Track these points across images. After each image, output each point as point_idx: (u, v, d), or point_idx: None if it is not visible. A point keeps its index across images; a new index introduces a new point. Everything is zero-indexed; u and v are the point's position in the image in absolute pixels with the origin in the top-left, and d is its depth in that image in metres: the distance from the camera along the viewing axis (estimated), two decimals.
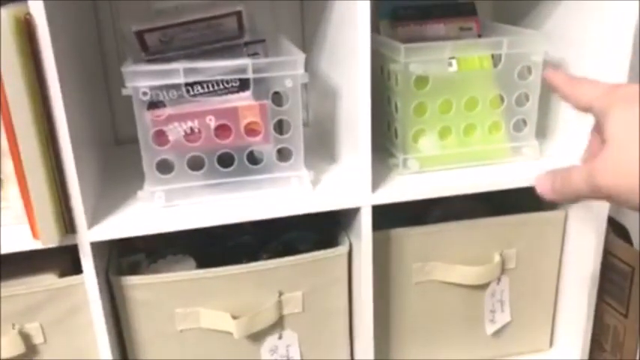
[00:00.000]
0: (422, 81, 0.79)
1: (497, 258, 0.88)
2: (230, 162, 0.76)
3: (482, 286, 0.90)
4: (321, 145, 0.95)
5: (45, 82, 0.63)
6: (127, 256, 0.85)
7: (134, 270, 0.83)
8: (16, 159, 0.64)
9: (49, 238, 0.67)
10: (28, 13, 0.62)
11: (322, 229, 0.91)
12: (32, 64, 0.62)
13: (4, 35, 0.59)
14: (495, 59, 0.82)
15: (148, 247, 0.87)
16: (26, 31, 0.61)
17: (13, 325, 0.76)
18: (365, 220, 0.77)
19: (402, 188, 0.78)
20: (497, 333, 0.94)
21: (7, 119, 0.62)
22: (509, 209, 0.89)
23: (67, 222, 0.69)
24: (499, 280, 0.90)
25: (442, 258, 0.87)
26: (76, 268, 0.77)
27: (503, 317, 0.93)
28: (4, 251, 0.69)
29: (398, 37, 0.91)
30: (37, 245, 0.68)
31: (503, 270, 0.89)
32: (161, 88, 0.70)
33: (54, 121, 0.65)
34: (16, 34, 0.60)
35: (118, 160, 0.93)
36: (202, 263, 0.85)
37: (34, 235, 0.68)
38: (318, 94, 0.96)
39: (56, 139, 0.66)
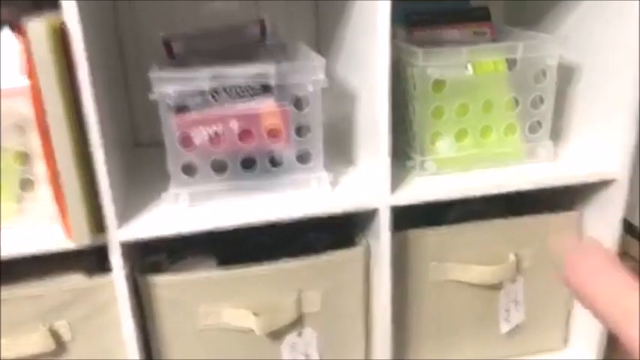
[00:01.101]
0: (439, 84, 0.81)
1: (512, 258, 0.90)
2: (252, 165, 0.78)
3: (498, 286, 0.92)
4: (337, 147, 0.97)
5: (78, 87, 0.66)
6: (148, 256, 0.88)
7: (156, 269, 0.86)
8: (50, 161, 0.67)
9: (81, 238, 0.69)
10: (63, 22, 0.64)
11: (339, 230, 0.93)
12: (66, 71, 0.65)
13: (42, 43, 0.61)
14: (510, 63, 0.84)
15: (168, 247, 0.89)
16: (61, 39, 0.64)
17: (43, 322, 0.79)
18: (383, 221, 0.79)
19: (420, 190, 0.80)
20: (512, 332, 0.96)
21: (42, 123, 0.65)
22: (524, 210, 0.90)
23: (97, 222, 0.71)
24: (514, 279, 0.92)
25: (458, 258, 0.89)
26: (100, 268, 0.80)
27: (517, 316, 0.95)
28: (37, 251, 0.71)
29: (413, 41, 0.93)
30: (69, 245, 0.71)
31: (518, 270, 0.91)
32: (187, 93, 0.73)
33: (86, 124, 0.68)
34: (52, 42, 0.62)
35: (138, 162, 0.96)
36: (222, 263, 0.87)
37: (67, 234, 0.70)
38: (334, 96, 0.97)
39: (88, 141, 0.68)
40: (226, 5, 0.97)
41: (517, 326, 0.96)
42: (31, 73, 0.63)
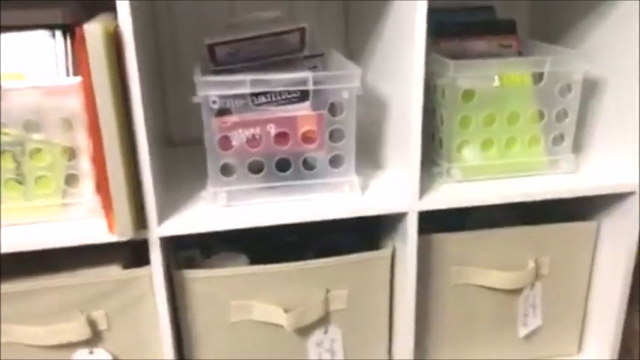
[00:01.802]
0: (468, 95, 0.84)
1: (531, 265, 0.93)
2: (286, 167, 0.81)
3: (517, 291, 0.95)
4: (365, 152, 1.00)
5: (127, 87, 0.70)
6: (181, 251, 0.91)
7: (189, 264, 0.89)
8: (98, 158, 0.70)
9: (124, 233, 0.73)
10: (117, 26, 0.68)
11: (364, 232, 0.96)
12: (117, 71, 0.68)
13: (98, 45, 0.65)
14: (536, 77, 0.87)
15: (200, 243, 0.93)
16: (114, 41, 0.67)
17: (82, 311, 0.82)
18: (411, 225, 0.82)
19: (447, 196, 0.83)
20: (529, 336, 0.99)
21: (93, 120, 0.68)
22: (541, 218, 0.93)
23: (139, 218, 0.75)
24: (532, 285, 0.95)
25: (479, 263, 0.92)
26: (136, 261, 0.84)
27: (535, 321, 0.98)
28: (81, 243, 0.75)
29: (441, 52, 0.96)
30: (112, 238, 0.74)
31: (537, 276, 0.94)
32: (229, 97, 0.76)
33: (133, 123, 0.71)
34: (107, 44, 0.66)
35: (171, 160, 0.99)
36: (252, 260, 0.90)
37: (110, 228, 0.74)
38: (363, 102, 1.01)
39: (134, 140, 0.72)
40: (258, 11, 1.01)
41: (533, 330, 0.99)
42: (85, 72, 0.67)
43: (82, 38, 0.65)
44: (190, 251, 0.91)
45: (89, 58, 0.65)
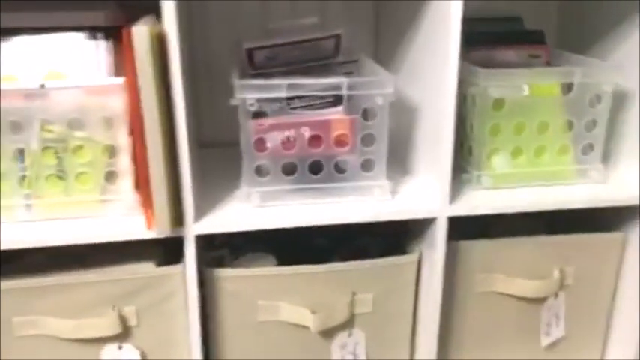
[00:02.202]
0: (499, 103, 0.85)
1: (556, 274, 0.93)
2: (319, 169, 0.83)
3: (540, 300, 0.95)
4: (393, 157, 1.01)
5: (169, 88, 0.72)
6: (211, 251, 0.93)
7: (218, 264, 0.91)
8: (140, 156, 0.72)
9: (162, 229, 0.74)
10: (162, 28, 0.70)
11: (391, 236, 0.97)
12: (161, 72, 0.70)
13: (144, 47, 0.67)
14: (566, 87, 0.88)
15: (229, 243, 0.94)
16: (159, 44, 0.69)
17: (113, 306, 0.84)
18: (440, 231, 0.83)
19: (477, 202, 0.84)
20: (551, 346, 0.99)
21: (137, 120, 0.70)
22: (570, 227, 0.94)
23: (176, 215, 0.76)
24: (556, 295, 0.95)
25: (504, 270, 0.93)
26: (167, 259, 0.85)
27: (557, 331, 0.98)
28: (119, 239, 0.77)
29: (470, 61, 0.98)
30: (150, 235, 0.76)
31: (561, 286, 0.94)
32: (265, 100, 0.78)
33: (175, 123, 0.73)
34: (153, 46, 0.68)
35: (204, 161, 1.01)
36: (280, 261, 0.92)
37: (149, 225, 0.76)
38: (392, 108, 1.02)
39: (174, 139, 0.74)
40: (291, 14, 1.04)
41: (556, 340, 0.99)
42: (131, 73, 0.69)
43: (130, 40, 0.67)
44: (219, 251, 0.93)
45: (136, 59, 0.67)
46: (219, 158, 1.00)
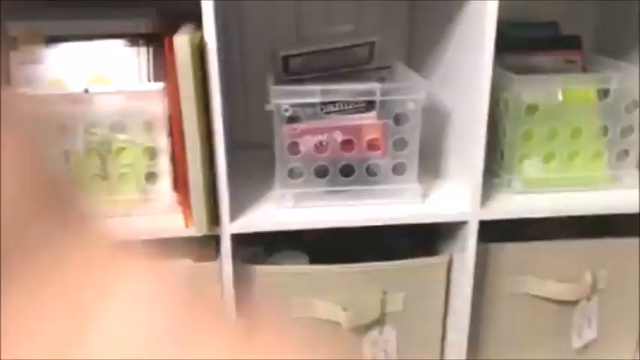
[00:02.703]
0: (532, 109, 0.85)
1: (588, 277, 0.93)
2: (350, 172, 0.85)
3: (572, 303, 0.95)
4: (423, 160, 1.02)
5: (208, 93, 0.74)
6: (246, 248, 0.96)
7: (253, 261, 0.94)
8: (180, 158, 0.75)
9: (200, 228, 0.78)
10: (202, 38, 0.72)
11: (420, 238, 0.98)
12: (200, 78, 0.73)
13: (186, 54, 0.70)
14: (602, 93, 0.87)
15: (262, 241, 0.97)
16: (199, 52, 0.72)
17: None
18: (471, 233, 0.84)
19: (508, 206, 0.85)
20: (583, 348, 0.99)
21: (178, 125, 0.73)
22: (603, 231, 0.94)
23: (212, 215, 0.79)
24: (589, 298, 0.95)
25: (535, 273, 0.93)
26: (203, 256, 0.89)
27: (589, 333, 0.98)
28: (158, 236, 0.80)
29: (504, 65, 0.97)
30: (188, 233, 0.79)
31: (593, 289, 0.94)
32: (300, 105, 0.80)
33: (212, 127, 0.76)
34: (194, 53, 0.71)
35: (237, 163, 1.04)
36: (311, 260, 0.94)
37: (187, 224, 0.79)
38: (425, 112, 1.03)
39: (212, 142, 0.77)
40: (325, 20, 1.05)
41: (588, 343, 0.99)
42: (173, 79, 0.72)
43: (172, 48, 0.70)
44: (254, 248, 0.96)
45: (177, 66, 0.70)
46: (252, 160, 1.03)
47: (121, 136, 0.81)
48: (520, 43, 0.97)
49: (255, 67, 1.05)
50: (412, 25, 1.08)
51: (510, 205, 0.86)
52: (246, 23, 1.06)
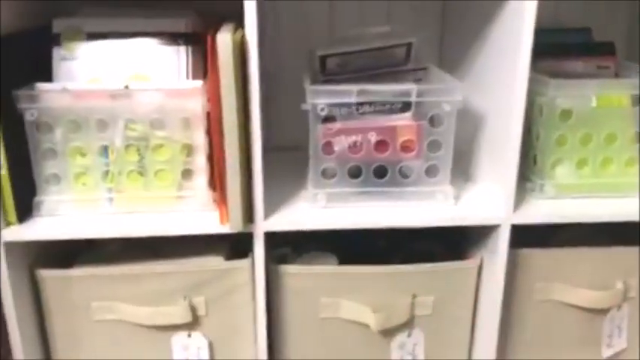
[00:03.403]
0: (566, 114, 0.86)
1: (619, 285, 0.93)
2: (383, 173, 0.85)
3: (602, 311, 0.95)
4: (455, 163, 1.02)
5: (247, 91, 0.75)
6: (275, 248, 0.96)
7: (282, 261, 0.94)
8: (218, 155, 0.76)
9: (235, 225, 0.78)
10: (243, 37, 0.74)
11: (450, 242, 0.98)
12: (241, 77, 0.74)
13: (228, 53, 0.71)
14: (634, 98, 0.87)
15: (291, 242, 0.98)
16: (241, 51, 0.73)
17: (184, 297, 0.89)
18: (503, 238, 0.84)
19: (540, 211, 0.85)
20: (613, 358, 0.98)
21: (217, 123, 0.75)
22: (634, 239, 0.93)
23: (247, 213, 0.80)
24: (619, 306, 0.95)
25: (566, 280, 0.93)
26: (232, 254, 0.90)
27: (619, 343, 0.97)
28: (193, 232, 0.81)
29: (537, 71, 0.98)
30: (223, 230, 0.80)
31: (624, 298, 0.94)
32: (335, 105, 0.81)
33: (250, 125, 0.77)
34: (235, 53, 0.72)
35: (268, 162, 1.04)
36: (340, 261, 0.94)
37: (222, 221, 0.80)
38: (457, 115, 1.03)
39: (249, 141, 0.78)
40: (359, 21, 1.06)
41: (617, 352, 0.98)
42: (214, 78, 0.73)
43: (214, 46, 0.71)
44: (283, 249, 0.97)
45: (220, 64, 0.71)
46: (282, 161, 1.04)
47: (160, 133, 0.82)
48: (552, 49, 0.98)
49: (287, 68, 1.06)
50: (444, 27, 1.09)
51: (543, 210, 0.85)
52: (281, 23, 1.07)
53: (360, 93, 0.80)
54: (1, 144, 0.77)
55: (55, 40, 0.85)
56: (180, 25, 0.86)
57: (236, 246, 0.92)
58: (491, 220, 0.84)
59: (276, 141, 1.11)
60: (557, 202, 0.88)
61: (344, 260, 0.94)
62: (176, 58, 0.86)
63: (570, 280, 0.92)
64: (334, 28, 1.07)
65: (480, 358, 0.94)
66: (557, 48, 0.98)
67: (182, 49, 0.86)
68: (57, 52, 0.85)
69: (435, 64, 1.10)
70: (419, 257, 0.93)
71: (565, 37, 1.01)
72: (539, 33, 0.96)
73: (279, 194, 0.90)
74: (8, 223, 0.81)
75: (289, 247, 0.97)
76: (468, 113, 0.96)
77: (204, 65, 0.86)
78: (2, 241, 0.79)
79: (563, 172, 0.89)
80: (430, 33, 1.08)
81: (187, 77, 0.86)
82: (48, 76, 0.84)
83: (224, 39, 0.70)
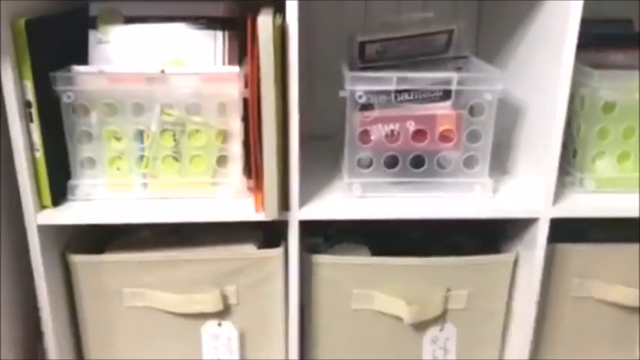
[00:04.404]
0: (609, 106, 0.83)
1: None
2: (421, 164, 0.84)
3: (638, 310, 0.92)
4: (492, 155, 1.00)
5: (286, 79, 0.74)
6: (308, 238, 0.95)
7: (315, 251, 0.93)
8: (255, 142, 0.75)
9: (271, 213, 0.78)
10: (284, 20, 0.73)
11: (485, 235, 0.97)
12: (280, 64, 0.73)
13: (268, 37, 0.70)
14: None
15: (323, 232, 0.97)
16: (281, 36, 0.72)
17: (216, 284, 0.88)
18: (541, 232, 0.82)
19: (580, 205, 0.83)
20: None
21: (256, 108, 0.74)
22: None
23: (282, 201, 0.79)
24: None
25: (603, 277, 0.91)
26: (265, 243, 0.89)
27: None
28: (228, 219, 0.80)
29: (578, 62, 0.95)
30: (258, 217, 0.79)
31: None
32: (374, 92, 0.79)
33: (288, 112, 0.76)
34: (276, 37, 0.71)
35: (302, 151, 1.04)
36: (373, 253, 0.93)
37: (257, 209, 0.79)
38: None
39: (286, 128, 0.77)
40: (395, 11, 1.05)
41: None
42: (254, 63, 0.72)
43: (254, 30, 0.70)
44: (315, 239, 0.96)
45: (260, 48, 0.70)
46: (317, 150, 1.03)
47: (196, 119, 0.81)
48: (593, 40, 0.95)
49: (323, 55, 1.05)
50: (481, 17, 1.07)
51: (582, 204, 0.84)
52: (317, 10, 1.06)
53: (400, 80, 0.79)
54: (38, 126, 0.77)
55: (92, 23, 0.84)
56: (218, 9, 0.85)
57: (265, 236, 0.91)
58: (530, 213, 0.82)
59: (309, 130, 1.10)
60: (597, 196, 0.86)
61: (377, 252, 0.92)
62: (212, 42, 0.85)
63: (607, 276, 0.90)
64: (370, 15, 1.06)
65: (513, 357, 0.92)
66: (599, 39, 0.96)
67: (219, 33, 0.85)
68: (93, 35, 0.84)
69: (471, 54, 1.08)
70: (453, 251, 0.92)
71: (606, 28, 0.99)
72: (581, 24, 0.94)
73: (313, 183, 0.89)
74: (43, 207, 0.80)
75: (321, 237, 0.96)
76: (506, 104, 0.94)
77: (239, 51, 0.85)
78: (37, 224, 0.79)
79: (604, 166, 0.87)
80: (466, 22, 1.06)
81: (223, 63, 0.85)
82: (84, 60, 0.84)
83: (265, 22, 0.69)
